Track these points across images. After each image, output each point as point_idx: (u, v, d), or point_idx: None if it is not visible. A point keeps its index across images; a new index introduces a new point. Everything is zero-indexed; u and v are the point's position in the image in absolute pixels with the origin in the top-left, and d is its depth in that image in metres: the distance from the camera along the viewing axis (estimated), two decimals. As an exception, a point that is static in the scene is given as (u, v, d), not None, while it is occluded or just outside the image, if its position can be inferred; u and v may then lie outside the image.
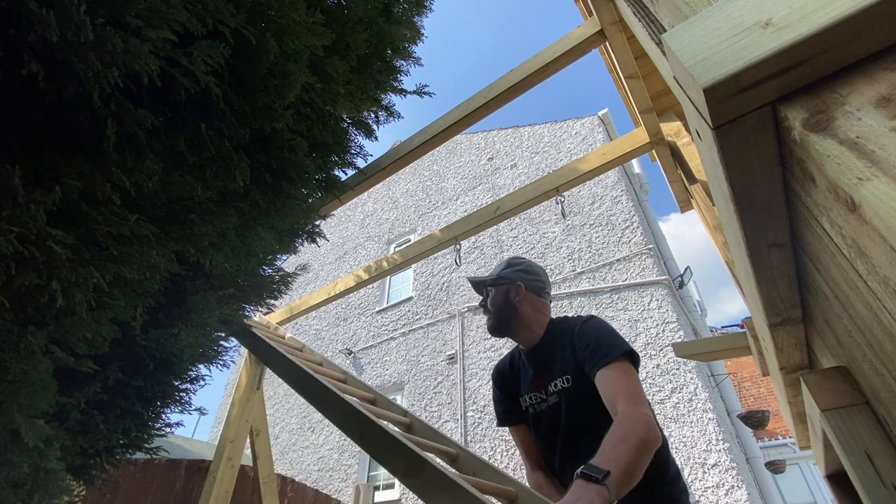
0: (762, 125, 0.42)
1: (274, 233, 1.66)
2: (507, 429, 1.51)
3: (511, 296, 1.48)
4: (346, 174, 2.17)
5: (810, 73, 0.38)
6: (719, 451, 4.32)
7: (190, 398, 1.78)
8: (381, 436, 1.23)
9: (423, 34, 2.14)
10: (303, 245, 2.03)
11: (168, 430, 1.77)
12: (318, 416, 7.79)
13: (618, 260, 5.93)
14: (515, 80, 1.94)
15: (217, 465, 2.66)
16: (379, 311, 8.41)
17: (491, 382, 1.59)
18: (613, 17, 1.66)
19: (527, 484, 1.45)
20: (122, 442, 1.60)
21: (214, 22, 1.08)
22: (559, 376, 1.33)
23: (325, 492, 6.17)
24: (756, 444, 4.98)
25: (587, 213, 6.68)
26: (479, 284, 1.59)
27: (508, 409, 1.47)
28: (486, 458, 5.52)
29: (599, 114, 7.71)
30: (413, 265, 8.04)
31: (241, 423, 2.88)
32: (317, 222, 2.18)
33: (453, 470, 1.25)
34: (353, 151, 1.98)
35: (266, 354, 2.00)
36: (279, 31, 1.21)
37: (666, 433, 3.12)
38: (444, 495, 0.97)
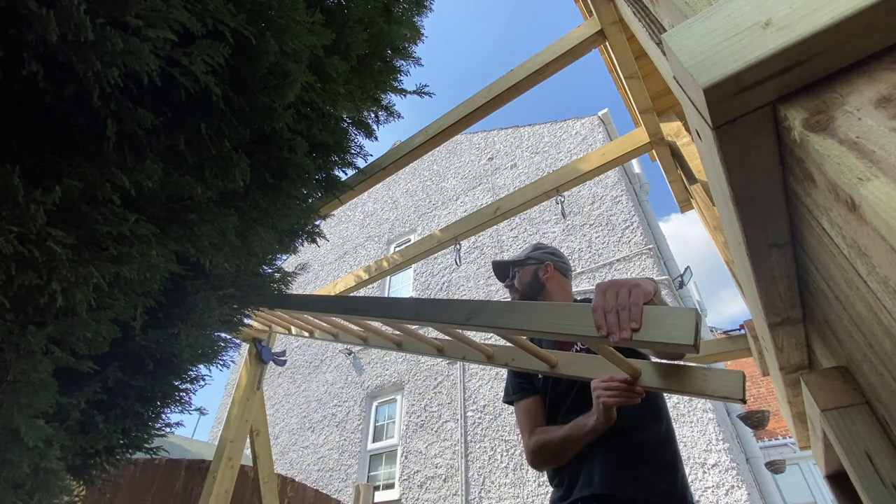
0: (762, 125, 0.42)
1: (274, 233, 1.66)
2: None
3: (539, 273, 1.60)
4: (346, 174, 2.17)
5: (810, 73, 0.38)
6: (719, 451, 4.31)
7: (190, 398, 1.78)
8: (437, 302, 1.40)
9: (423, 34, 2.14)
10: (303, 245, 2.03)
11: (168, 430, 1.76)
12: (318, 415, 7.79)
13: (618, 260, 5.93)
14: (516, 80, 1.93)
15: (217, 465, 2.66)
16: (379, 311, 8.40)
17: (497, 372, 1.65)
18: (613, 17, 1.66)
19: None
20: (122, 442, 1.59)
21: (214, 22, 1.08)
22: None
23: (325, 492, 6.17)
24: (756, 444, 4.98)
25: (587, 213, 6.67)
26: (505, 265, 1.67)
27: (524, 381, 1.49)
28: (486, 459, 5.53)
29: (599, 114, 7.70)
30: (413, 265, 8.03)
31: (241, 423, 2.88)
32: (317, 222, 2.18)
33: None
34: (353, 151, 1.98)
35: (300, 302, 2.08)
36: (279, 31, 1.21)
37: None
38: (512, 315, 1.14)
